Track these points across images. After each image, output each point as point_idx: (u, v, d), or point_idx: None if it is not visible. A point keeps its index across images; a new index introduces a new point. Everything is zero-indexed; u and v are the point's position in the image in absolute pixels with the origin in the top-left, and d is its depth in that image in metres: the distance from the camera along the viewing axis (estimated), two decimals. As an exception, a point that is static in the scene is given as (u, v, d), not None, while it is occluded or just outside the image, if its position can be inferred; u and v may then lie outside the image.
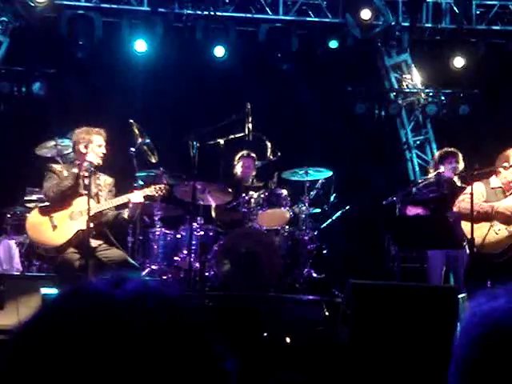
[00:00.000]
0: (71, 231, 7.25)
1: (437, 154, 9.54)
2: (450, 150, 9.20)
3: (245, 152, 10.02)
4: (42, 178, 7.48)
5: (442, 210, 8.35)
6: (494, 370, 1.16)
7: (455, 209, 7.70)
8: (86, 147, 7.33)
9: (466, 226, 7.46)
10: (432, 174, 9.96)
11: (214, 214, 9.61)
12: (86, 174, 7.28)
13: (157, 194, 7.70)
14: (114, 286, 1.09)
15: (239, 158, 10.09)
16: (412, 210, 9.20)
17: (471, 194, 7.30)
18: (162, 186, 7.78)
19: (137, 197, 7.39)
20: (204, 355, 1.08)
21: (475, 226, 7.39)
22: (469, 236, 7.34)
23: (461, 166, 9.02)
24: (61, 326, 1.05)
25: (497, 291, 1.25)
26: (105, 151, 7.44)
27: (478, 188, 7.62)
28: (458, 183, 8.85)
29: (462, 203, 7.56)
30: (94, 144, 7.39)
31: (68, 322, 1.05)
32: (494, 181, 7.70)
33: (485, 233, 7.43)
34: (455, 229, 7.74)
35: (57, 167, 7.51)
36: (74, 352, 1.02)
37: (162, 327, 1.05)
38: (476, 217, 7.40)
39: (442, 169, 9.29)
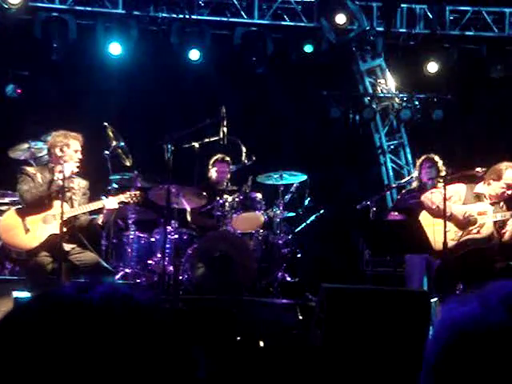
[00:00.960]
0: (44, 235, 7.22)
1: (418, 160, 9.61)
2: (426, 155, 9.28)
3: (219, 156, 10.02)
4: (15, 180, 7.44)
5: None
6: (463, 377, 1.17)
7: (422, 198, 7.88)
8: (61, 150, 7.30)
9: (425, 216, 7.65)
10: (406, 179, 10.08)
11: (189, 218, 9.60)
12: (60, 177, 7.24)
13: (131, 201, 7.71)
14: (83, 291, 1.09)
15: (214, 163, 10.09)
16: (394, 217, 9.26)
17: (444, 201, 7.39)
18: (138, 193, 7.78)
19: (111, 203, 7.39)
20: (171, 362, 1.08)
21: (433, 221, 7.55)
22: (426, 229, 7.48)
23: (438, 170, 9.11)
24: (28, 329, 1.06)
25: (468, 296, 1.26)
26: (81, 157, 7.42)
27: (458, 189, 7.72)
28: (441, 187, 8.92)
29: (427, 193, 7.78)
30: (71, 149, 7.36)
31: (35, 325, 1.05)
32: (480, 187, 7.78)
33: (434, 231, 7.53)
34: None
35: (30, 170, 7.46)
36: (38, 355, 1.02)
37: (127, 332, 1.05)
38: (436, 212, 7.57)
39: (415, 173, 9.39)
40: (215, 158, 10.05)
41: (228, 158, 10.00)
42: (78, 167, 7.44)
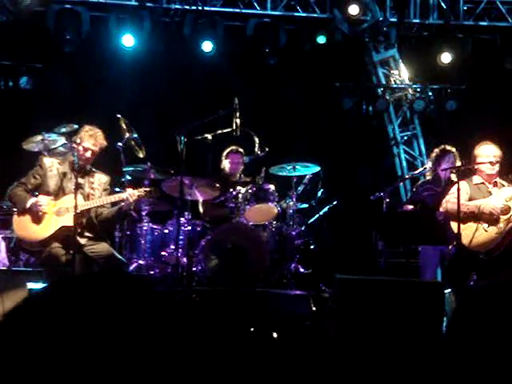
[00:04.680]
0: (55, 226, 7.27)
1: (434, 151, 9.48)
2: (445, 147, 9.19)
3: (233, 148, 10.02)
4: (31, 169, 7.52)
5: (435, 208, 8.37)
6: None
7: (441, 209, 7.80)
8: (75, 143, 7.36)
9: (454, 225, 7.55)
10: (419, 170, 10.04)
11: (201, 209, 9.61)
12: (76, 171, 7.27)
13: (146, 197, 7.71)
14: (97, 282, 1.10)
15: (227, 154, 10.09)
16: (406, 209, 9.25)
17: (458, 192, 7.37)
18: (152, 188, 7.76)
19: (132, 195, 7.38)
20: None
21: (463, 226, 7.48)
22: (469, 230, 7.45)
23: (458, 163, 9.06)
24: (42, 317, 1.06)
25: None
26: (89, 156, 7.43)
27: (462, 187, 7.68)
28: (455, 179, 8.87)
29: (448, 204, 7.69)
30: (82, 144, 7.39)
31: (48, 313, 1.06)
32: (476, 178, 7.83)
33: (472, 232, 7.48)
34: (443, 226, 7.78)
35: (47, 162, 7.49)
36: (51, 341, 1.03)
37: (136, 319, 1.06)
38: (462, 217, 7.49)
39: (429, 164, 9.34)
40: (228, 149, 10.05)
41: (241, 150, 10.00)
42: (81, 164, 7.43)
